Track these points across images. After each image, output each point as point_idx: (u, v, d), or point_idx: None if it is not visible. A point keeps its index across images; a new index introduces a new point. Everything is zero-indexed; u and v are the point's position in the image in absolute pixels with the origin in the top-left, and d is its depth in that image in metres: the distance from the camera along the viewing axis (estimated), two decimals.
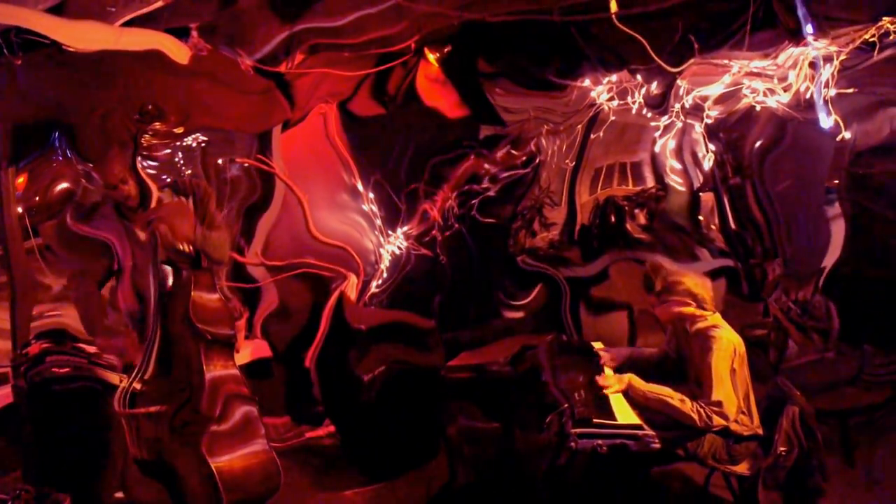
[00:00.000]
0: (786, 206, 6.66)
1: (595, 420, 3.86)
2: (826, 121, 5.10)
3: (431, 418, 5.58)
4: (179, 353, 4.22)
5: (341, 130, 6.18)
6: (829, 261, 6.58)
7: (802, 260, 6.66)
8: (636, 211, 7.01)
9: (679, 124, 6.55)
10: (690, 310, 4.15)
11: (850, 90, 5.29)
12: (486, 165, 6.61)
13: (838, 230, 6.61)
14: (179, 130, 5.24)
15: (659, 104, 5.69)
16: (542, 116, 6.65)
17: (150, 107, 4.18)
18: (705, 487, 4.48)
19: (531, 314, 7.15)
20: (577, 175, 6.89)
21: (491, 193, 6.71)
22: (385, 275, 6.39)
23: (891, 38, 5.14)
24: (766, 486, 3.79)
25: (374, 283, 6.32)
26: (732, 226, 6.70)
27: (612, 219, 6.95)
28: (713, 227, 7.00)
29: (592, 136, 6.63)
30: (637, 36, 4.89)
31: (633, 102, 5.80)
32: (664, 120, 6.40)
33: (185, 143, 5.40)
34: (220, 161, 5.72)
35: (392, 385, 5.74)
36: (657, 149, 6.97)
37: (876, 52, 5.28)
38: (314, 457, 5.81)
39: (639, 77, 5.50)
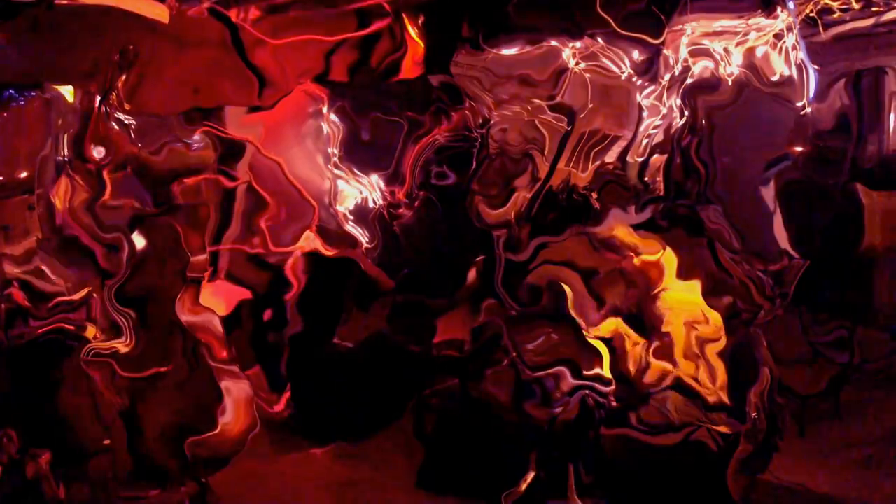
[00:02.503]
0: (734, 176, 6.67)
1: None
2: (812, 89, 5.21)
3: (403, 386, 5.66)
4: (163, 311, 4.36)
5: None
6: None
7: (757, 232, 6.76)
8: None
9: (664, 110, 6.59)
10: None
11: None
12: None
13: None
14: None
15: (646, 70, 5.76)
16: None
17: (131, 46, 4.26)
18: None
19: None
20: (566, 140, 6.83)
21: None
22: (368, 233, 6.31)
23: (835, 15, 5.30)
24: (748, 440, 4.01)
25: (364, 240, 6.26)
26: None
27: (577, 197, 6.94)
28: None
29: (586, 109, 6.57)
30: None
31: (622, 71, 5.85)
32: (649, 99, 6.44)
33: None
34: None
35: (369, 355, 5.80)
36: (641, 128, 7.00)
37: (820, 28, 5.40)
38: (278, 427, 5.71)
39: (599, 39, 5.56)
